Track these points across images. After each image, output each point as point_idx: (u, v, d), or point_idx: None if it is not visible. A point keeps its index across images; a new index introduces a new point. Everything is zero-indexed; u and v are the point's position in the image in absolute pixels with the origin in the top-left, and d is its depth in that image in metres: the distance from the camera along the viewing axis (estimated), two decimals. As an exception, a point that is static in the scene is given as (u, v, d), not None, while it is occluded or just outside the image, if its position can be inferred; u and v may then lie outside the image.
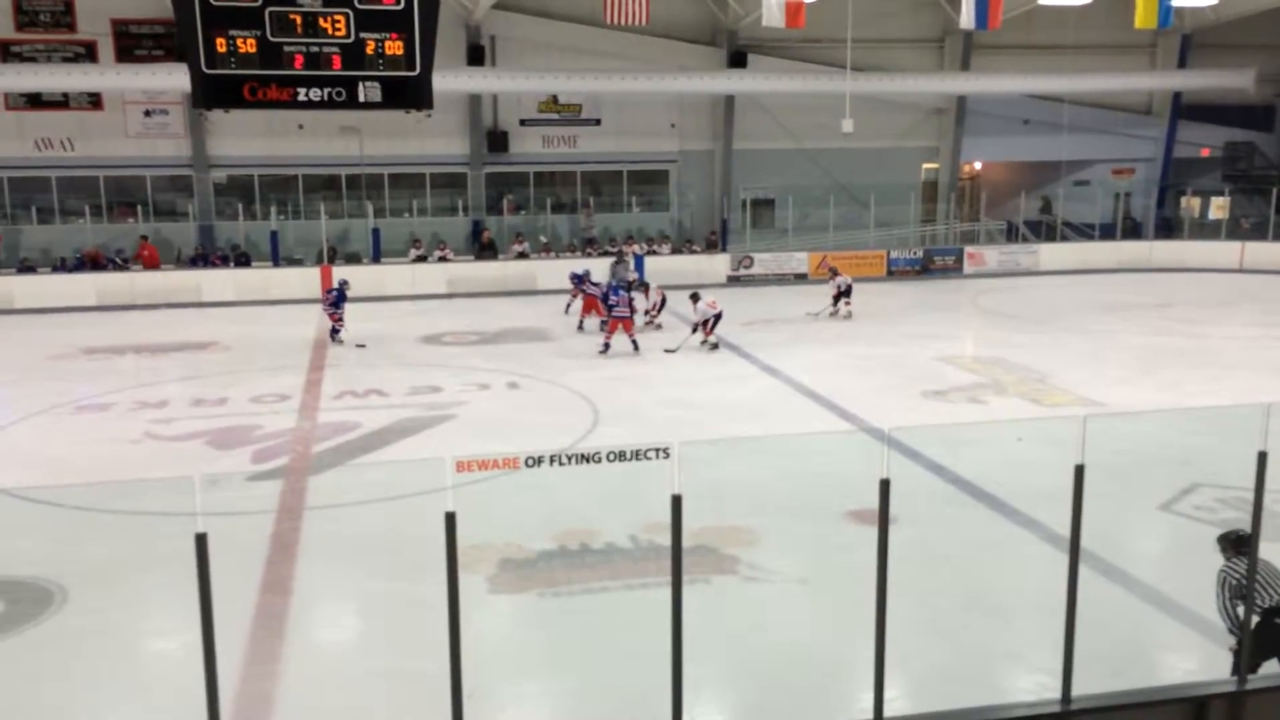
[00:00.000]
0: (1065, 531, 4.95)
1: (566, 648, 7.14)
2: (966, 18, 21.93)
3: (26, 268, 23.32)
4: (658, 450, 4.90)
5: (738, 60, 26.94)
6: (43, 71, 23.25)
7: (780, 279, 25.36)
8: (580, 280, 19.63)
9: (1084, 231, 29.24)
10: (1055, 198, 29.41)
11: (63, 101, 24.58)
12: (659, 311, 19.39)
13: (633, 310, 17.45)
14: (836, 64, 25.34)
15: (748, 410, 13.34)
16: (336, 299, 17.91)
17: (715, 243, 27.18)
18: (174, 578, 5.93)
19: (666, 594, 5.26)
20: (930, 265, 26.54)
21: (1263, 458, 4.81)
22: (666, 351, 16.80)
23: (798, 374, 15.10)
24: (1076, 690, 4.94)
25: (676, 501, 4.94)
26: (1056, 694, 5.01)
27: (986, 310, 21.72)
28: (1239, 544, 6.04)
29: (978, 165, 31.78)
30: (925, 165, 29.95)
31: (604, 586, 8.04)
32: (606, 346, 16.88)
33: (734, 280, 25.20)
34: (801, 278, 25.46)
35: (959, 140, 29.41)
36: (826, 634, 7.23)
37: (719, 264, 25.49)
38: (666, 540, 5.06)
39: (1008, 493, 9.72)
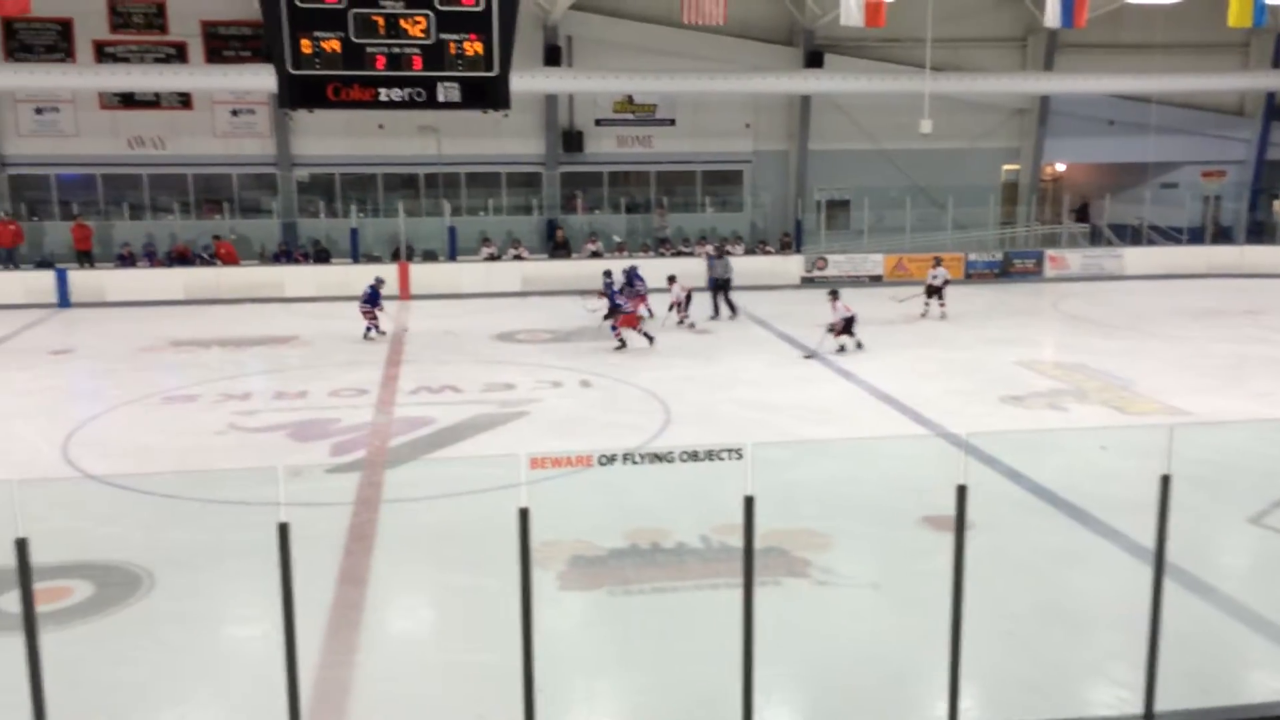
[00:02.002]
0: (1149, 543, 4.84)
1: (636, 646, 7.16)
2: (1051, 16, 21.49)
3: (128, 258, 24.07)
4: (730, 451, 4.90)
5: (814, 60, 26.74)
6: (135, 72, 24.02)
7: (855, 281, 25.10)
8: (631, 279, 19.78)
9: (1172, 235, 28.43)
10: (1130, 201, 28.62)
11: (154, 101, 25.40)
12: (685, 308, 19.41)
13: (646, 304, 17.89)
14: (915, 63, 25.02)
15: (821, 413, 13.23)
16: (369, 296, 18.15)
17: (789, 244, 27.01)
18: (255, 566, 6.09)
19: (736, 595, 5.25)
20: (1010, 268, 26.04)
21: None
22: (805, 357, 16.34)
23: (872, 377, 14.94)
24: (1160, 706, 4.82)
25: (749, 502, 4.94)
26: (1138, 709, 4.90)
27: (1068, 315, 21.25)
28: None
29: (1060, 167, 31.10)
30: (1006, 166, 29.44)
31: (674, 586, 8.04)
32: (622, 343, 17.06)
33: (807, 282, 25.01)
34: (877, 280, 25.17)
35: (1041, 141, 28.82)
36: (899, 640, 7.14)
37: (792, 265, 25.33)
38: (737, 541, 5.05)
39: (1089, 502, 9.50)
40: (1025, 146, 29.13)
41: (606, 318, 17.65)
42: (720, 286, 20.46)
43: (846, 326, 16.67)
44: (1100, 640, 7.18)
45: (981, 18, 27.68)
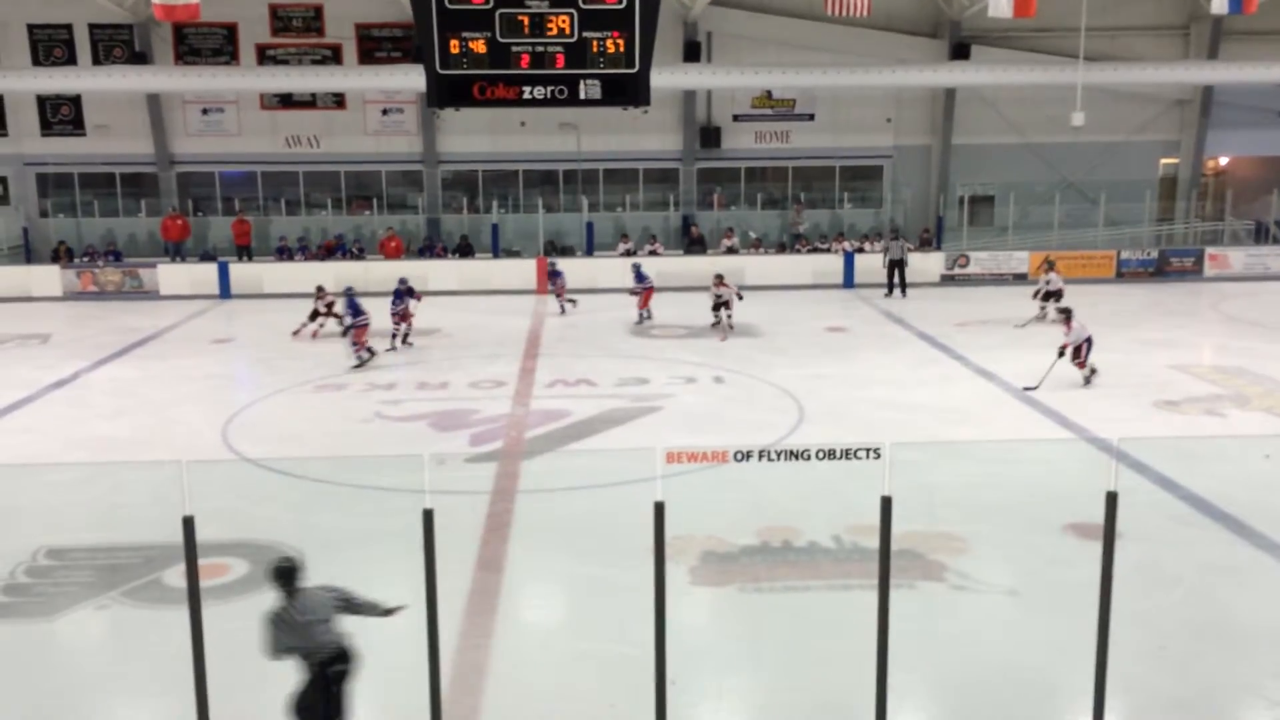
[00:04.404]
0: (1317, 559, 4.57)
1: (766, 644, 7.14)
2: (1219, 2, 20.38)
3: (286, 251, 25.29)
4: (868, 450, 4.85)
5: (960, 52, 26.02)
6: (294, 73, 25.19)
7: (998, 279, 24.34)
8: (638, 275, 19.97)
9: (1347, 233, 26.64)
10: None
11: (311, 101, 26.57)
12: (730, 309, 18.45)
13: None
14: (1068, 54, 24.07)
15: (959, 414, 12.90)
16: (397, 297, 17.40)
17: (929, 240, 26.41)
18: (398, 549, 6.32)
19: (869, 596, 5.19)
20: (1166, 267, 24.82)
21: None
22: (1026, 389, 13.78)
23: (1014, 377, 14.46)
24: (1324, 732, 4.56)
25: (886, 503, 4.87)
26: (1300, 734, 4.63)
27: (1229, 316, 20.13)
28: (288, 576, 5.54)
29: (1223, 160, 29.48)
30: (1164, 160, 28.07)
31: (806, 585, 7.98)
32: (361, 360, 15.99)
33: (948, 279, 24.38)
34: (1021, 278, 24.33)
35: (1203, 134, 27.38)
36: (1040, 651, 6.91)
37: (933, 262, 24.71)
38: (870, 542, 4.98)
39: (1250, 514, 9.01)
40: (1185, 139, 27.72)
41: (345, 334, 16.43)
42: (896, 266, 22.37)
43: (1079, 351, 14.04)
44: (1259, 658, 6.80)
45: (1140, 5, 26.47)
